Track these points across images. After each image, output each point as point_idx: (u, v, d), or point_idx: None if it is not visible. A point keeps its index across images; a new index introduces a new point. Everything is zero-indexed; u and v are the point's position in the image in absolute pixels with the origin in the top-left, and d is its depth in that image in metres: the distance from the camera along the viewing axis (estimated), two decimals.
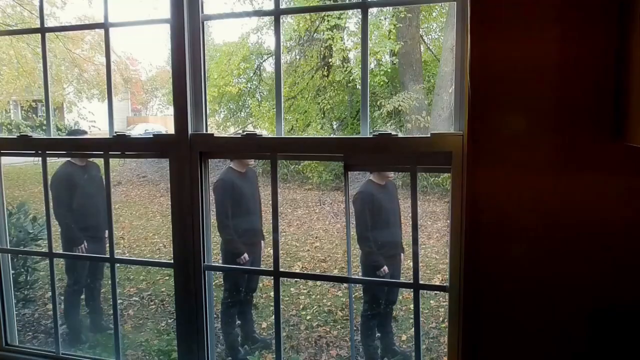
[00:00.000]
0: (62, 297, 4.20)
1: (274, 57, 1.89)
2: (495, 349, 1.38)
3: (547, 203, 1.29)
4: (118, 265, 3.90)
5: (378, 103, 8.48)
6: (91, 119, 11.00)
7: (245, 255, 3.69)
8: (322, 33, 8.80)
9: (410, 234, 1.67)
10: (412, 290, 1.68)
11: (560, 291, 1.31)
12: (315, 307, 4.83)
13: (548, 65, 1.26)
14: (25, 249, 4.00)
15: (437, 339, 4.18)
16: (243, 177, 3.71)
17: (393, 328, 3.93)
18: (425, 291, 4.51)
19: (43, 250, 3.78)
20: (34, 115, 11.76)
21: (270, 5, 1.88)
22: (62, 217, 3.81)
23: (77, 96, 11.19)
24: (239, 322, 3.96)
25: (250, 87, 9.97)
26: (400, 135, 1.51)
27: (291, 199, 8.34)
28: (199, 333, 1.79)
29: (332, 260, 6.11)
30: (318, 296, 5.06)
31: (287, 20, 9.00)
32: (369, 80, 1.62)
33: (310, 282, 5.28)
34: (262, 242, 3.99)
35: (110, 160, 1.91)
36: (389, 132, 1.51)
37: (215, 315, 2.48)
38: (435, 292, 4.79)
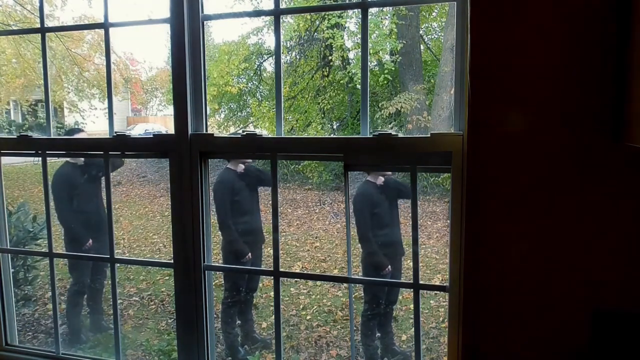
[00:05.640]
0: (63, 297, 4.21)
1: (274, 57, 1.89)
2: (495, 349, 1.38)
3: (547, 203, 1.29)
4: (118, 265, 3.90)
5: (380, 105, 8.48)
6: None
7: (249, 254, 3.70)
8: (322, 32, 8.80)
9: (411, 234, 1.67)
10: (412, 290, 1.68)
11: (561, 291, 1.31)
12: (315, 307, 4.84)
13: (548, 65, 1.26)
14: (25, 248, 4.01)
15: (437, 339, 4.18)
16: (241, 176, 3.70)
17: (393, 328, 3.93)
18: (425, 291, 4.51)
19: (43, 249, 3.78)
20: (34, 110, 11.78)
21: (270, 5, 1.88)
22: (64, 217, 3.81)
23: (78, 96, 11.20)
24: (239, 322, 3.96)
25: (251, 87, 9.97)
26: (400, 135, 1.51)
27: (291, 199, 8.35)
28: (199, 333, 1.79)
29: (332, 260, 6.11)
30: (318, 296, 5.07)
31: (287, 20, 9.01)
32: (369, 80, 1.62)
33: (310, 282, 5.29)
34: (262, 245, 4.00)
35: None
36: (389, 132, 1.51)
37: (215, 315, 2.48)
38: (435, 292, 4.80)
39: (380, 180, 3.54)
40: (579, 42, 1.23)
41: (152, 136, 1.80)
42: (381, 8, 8.67)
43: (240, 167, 3.72)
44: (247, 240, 3.76)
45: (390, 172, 3.58)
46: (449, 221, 1.47)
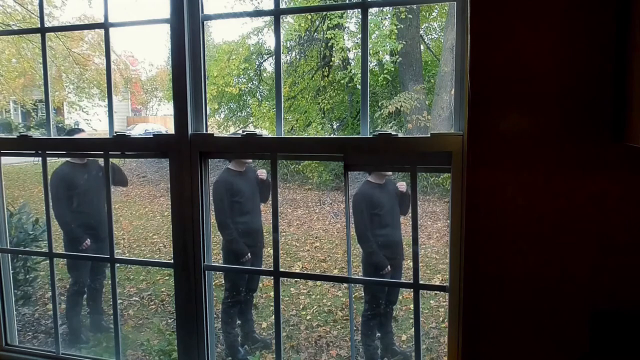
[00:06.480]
0: (63, 297, 4.21)
1: (274, 57, 1.89)
2: (495, 349, 1.38)
3: (547, 203, 1.29)
4: (118, 265, 3.90)
5: (379, 104, 8.47)
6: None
7: (249, 254, 3.70)
8: (322, 33, 8.80)
9: (410, 234, 1.67)
10: (412, 290, 1.68)
11: (561, 292, 1.31)
12: (315, 307, 4.83)
13: (548, 65, 1.26)
14: (25, 249, 4.00)
15: (437, 339, 4.18)
16: (242, 177, 3.71)
17: (393, 328, 3.93)
18: (425, 291, 4.51)
19: (43, 250, 3.78)
20: (35, 109, 11.79)
21: (270, 5, 1.88)
22: (62, 217, 3.81)
23: (78, 96, 11.20)
24: (239, 322, 3.96)
25: (251, 87, 9.97)
26: (400, 135, 1.51)
27: (291, 199, 8.35)
28: (199, 333, 1.79)
29: (332, 260, 6.11)
30: (318, 296, 5.07)
31: (287, 20, 9.01)
32: (369, 80, 1.62)
33: (310, 282, 5.28)
34: (262, 248, 4.01)
35: (110, 160, 1.91)
36: (389, 132, 1.51)
37: (215, 315, 2.48)
38: (435, 292, 4.80)
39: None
40: (579, 42, 1.23)
41: (152, 136, 1.80)
42: (381, 8, 8.68)
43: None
44: (247, 240, 3.76)
45: (390, 173, 3.58)
46: (449, 221, 1.47)
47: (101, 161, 3.64)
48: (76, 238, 3.81)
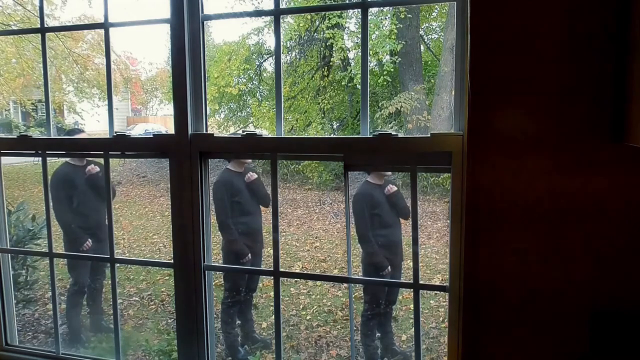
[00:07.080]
0: (63, 297, 4.21)
1: (274, 57, 1.89)
2: (495, 349, 1.38)
3: (547, 203, 1.29)
4: (118, 265, 3.90)
5: (380, 104, 8.48)
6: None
7: (249, 255, 3.70)
8: (322, 32, 8.81)
9: (410, 234, 1.67)
10: (412, 290, 1.68)
11: (561, 292, 1.31)
12: (315, 307, 4.84)
13: (548, 65, 1.26)
14: (25, 248, 4.00)
15: (437, 339, 4.18)
16: (241, 177, 3.71)
17: (393, 328, 3.93)
18: (425, 291, 4.51)
19: (43, 249, 3.78)
20: (35, 109, 11.79)
21: (270, 5, 1.88)
22: (62, 218, 3.81)
23: (78, 96, 11.20)
24: (239, 322, 3.96)
25: (251, 87, 9.98)
26: (400, 135, 1.51)
27: (291, 199, 8.35)
28: (199, 333, 1.79)
29: (332, 260, 6.11)
30: (318, 296, 5.07)
31: (287, 20, 9.01)
32: (369, 81, 1.62)
33: (310, 282, 5.28)
34: (262, 249, 4.01)
35: (110, 160, 1.91)
36: (389, 132, 1.51)
37: (215, 315, 2.48)
38: (435, 292, 4.80)
39: (382, 179, 3.53)
40: (579, 42, 1.23)
41: (152, 136, 1.80)
42: (381, 8, 8.68)
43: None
44: (247, 240, 3.76)
45: (390, 173, 3.58)
46: (449, 221, 1.47)
47: (95, 169, 3.71)
48: (76, 238, 3.81)
